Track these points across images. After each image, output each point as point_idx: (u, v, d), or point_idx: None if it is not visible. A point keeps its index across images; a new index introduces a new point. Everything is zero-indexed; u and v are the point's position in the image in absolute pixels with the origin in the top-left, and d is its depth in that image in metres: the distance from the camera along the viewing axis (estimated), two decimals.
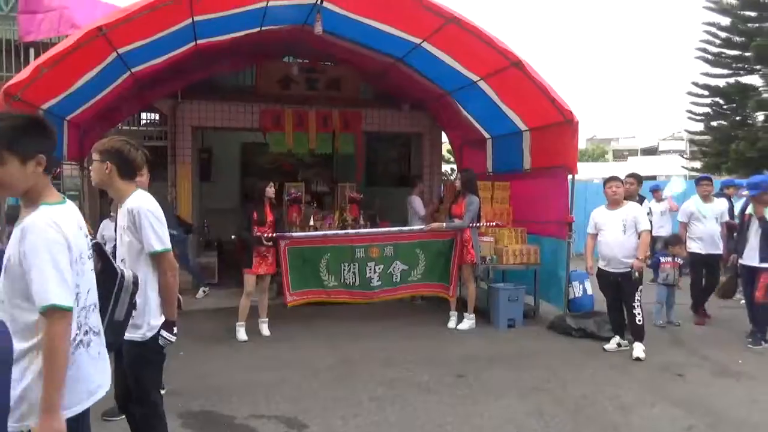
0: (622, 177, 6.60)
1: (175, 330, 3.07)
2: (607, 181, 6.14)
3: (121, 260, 2.95)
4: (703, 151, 22.63)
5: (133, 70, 6.45)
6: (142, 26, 5.50)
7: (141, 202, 2.95)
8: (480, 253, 6.97)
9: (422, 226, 7.50)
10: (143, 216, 2.92)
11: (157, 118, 9.46)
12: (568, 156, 6.86)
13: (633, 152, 52.08)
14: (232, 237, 6.46)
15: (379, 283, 6.98)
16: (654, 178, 25.03)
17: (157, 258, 2.96)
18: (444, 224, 7.00)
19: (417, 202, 8.90)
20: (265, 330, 6.49)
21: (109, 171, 2.90)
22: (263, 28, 7.01)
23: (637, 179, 7.40)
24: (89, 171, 3.11)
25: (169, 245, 3.02)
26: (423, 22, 6.56)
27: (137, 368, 2.98)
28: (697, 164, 23.82)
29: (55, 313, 1.86)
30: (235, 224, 6.63)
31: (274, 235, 6.33)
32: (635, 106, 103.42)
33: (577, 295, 7.29)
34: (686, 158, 27.75)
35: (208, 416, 4.25)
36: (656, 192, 9.59)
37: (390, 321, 7.06)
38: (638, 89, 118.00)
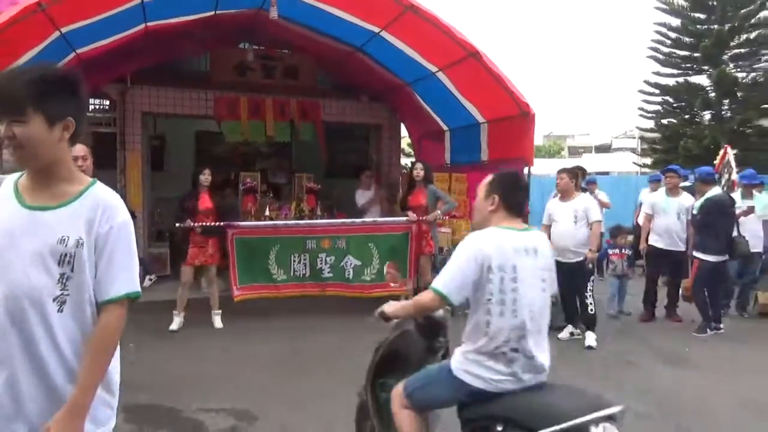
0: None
1: None
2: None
3: None
4: (654, 148, 23.30)
5: (78, 51, 6.13)
6: (87, 4, 5.25)
7: None
8: (438, 244, 6.95)
9: (377, 218, 7.40)
10: None
11: (106, 103, 9.08)
12: (525, 148, 6.91)
13: (587, 149, 53.24)
14: (177, 225, 6.24)
15: (331, 275, 6.78)
16: (607, 173, 25.69)
17: None
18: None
19: (358, 195, 8.69)
20: (217, 322, 6.33)
21: None
22: (217, 12, 6.79)
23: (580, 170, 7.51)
24: None
25: None
26: (381, 10, 6.48)
27: None
28: (648, 161, 24.52)
29: (126, 303, 1.71)
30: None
31: (221, 224, 6.18)
32: (590, 104, 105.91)
33: None
34: (638, 155, 28.51)
35: (155, 410, 4.10)
36: (591, 185, 9.39)
37: (346, 314, 6.93)
38: (593, 88, 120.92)
